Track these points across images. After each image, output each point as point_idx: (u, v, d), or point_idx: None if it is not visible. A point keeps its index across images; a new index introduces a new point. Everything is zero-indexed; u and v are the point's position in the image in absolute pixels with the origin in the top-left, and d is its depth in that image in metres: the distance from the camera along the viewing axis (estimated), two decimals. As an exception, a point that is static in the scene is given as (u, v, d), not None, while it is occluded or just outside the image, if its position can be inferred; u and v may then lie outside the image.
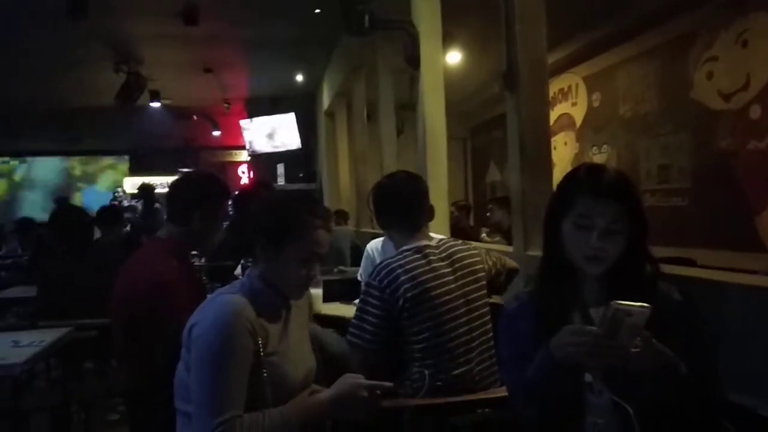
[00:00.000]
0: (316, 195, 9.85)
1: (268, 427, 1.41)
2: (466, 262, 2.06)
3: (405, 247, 2.05)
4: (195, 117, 11.07)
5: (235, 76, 8.98)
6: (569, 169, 1.47)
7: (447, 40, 4.59)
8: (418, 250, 2.03)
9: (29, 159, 13.43)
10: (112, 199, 10.40)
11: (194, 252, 2.51)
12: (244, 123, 10.50)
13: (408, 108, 6.03)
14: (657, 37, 5.35)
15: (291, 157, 10.27)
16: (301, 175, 10.39)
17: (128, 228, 6.92)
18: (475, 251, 2.13)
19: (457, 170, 9.79)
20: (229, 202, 2.45)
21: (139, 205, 8.39)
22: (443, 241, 2.14)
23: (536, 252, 2.57)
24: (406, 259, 1.99)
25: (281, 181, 10.26)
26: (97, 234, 4.51)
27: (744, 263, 3.41)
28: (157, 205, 8.15)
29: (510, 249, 3.08)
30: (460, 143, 10.30)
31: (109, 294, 2.10)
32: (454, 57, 6.24)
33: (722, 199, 4.67)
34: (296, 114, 9.94)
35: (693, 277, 1.77)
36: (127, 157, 13.37)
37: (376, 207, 2.16)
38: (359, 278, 3.21)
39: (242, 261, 4.47)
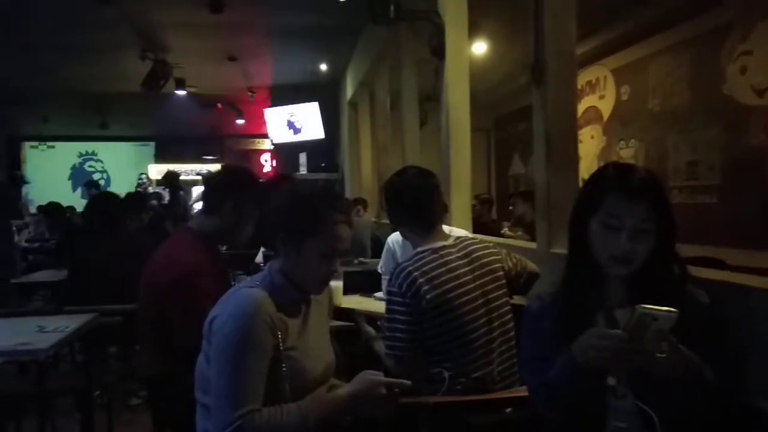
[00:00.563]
0: (338, 185, 9.85)
1: (285, 421, 1.41)
2: (484, 261, 2.03)
3: (420, 249, 2.02)
4: (219, 105, 11.13)
5: (260, 64, 9.00)
6: (595, 163, 1.44)
7: (472, 31, 4.53)
8: (434, 251, 2.00)
9: (57, 144, 13.69)
10: (136, 186, 10.54)
11: (224, 247, 2.53)
12: (267, 112, 10.53)
13: (432, 99, 5.99)
14: (689, 29, 5.23)
15: (313, 147, 10.26)
16: (323, 164, 10.37)
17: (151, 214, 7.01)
18: (495, 250, 2.10)
19: (480, 162, 9.71)
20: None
21: (165, 193, 8.52)
22: (461, 239, 2.10)
23: (560, 250, 2.53)
24: (422, 261, 1.97)
25: (303, 170, 10.26)
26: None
27: (774, 264, 3.33)
28: (181, 192, 8.26)
29: (533, 245, 3.03)
30: (484, 134, 10.20)
31: (137, 281, 2.13)
32: (479, 47, 6.16)
33: (752, 197, 4.56)
34: (319, 103, 9.93)
35: (720, 281, 1.72)
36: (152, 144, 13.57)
37: (388, 205, 2.15)
38: (380, 270, 3.22)
39: (263, 249, 4.51)
